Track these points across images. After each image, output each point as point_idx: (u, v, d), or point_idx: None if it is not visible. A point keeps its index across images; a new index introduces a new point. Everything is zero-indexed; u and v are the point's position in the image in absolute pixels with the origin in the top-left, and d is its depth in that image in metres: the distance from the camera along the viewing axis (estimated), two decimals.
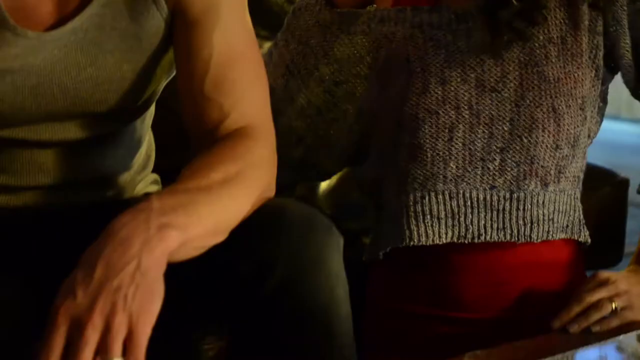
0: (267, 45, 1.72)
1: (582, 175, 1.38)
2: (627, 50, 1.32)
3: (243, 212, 1.02)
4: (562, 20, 1.31)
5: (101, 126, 1.19)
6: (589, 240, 1.38)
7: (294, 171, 1.46)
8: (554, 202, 1.34)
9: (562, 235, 1.35)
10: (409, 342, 1.36)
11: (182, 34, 1.12)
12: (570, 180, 1.35)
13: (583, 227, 1.38)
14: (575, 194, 1.37)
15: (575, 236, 1.36)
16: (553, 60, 1.30)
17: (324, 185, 1.72)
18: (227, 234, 1.00)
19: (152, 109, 1.28)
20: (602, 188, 1.74)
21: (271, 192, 1.10)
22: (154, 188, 1.35)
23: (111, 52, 1.11)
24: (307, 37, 1.40)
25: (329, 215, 1.20)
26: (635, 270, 1.33)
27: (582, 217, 1.38)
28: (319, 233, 1.02)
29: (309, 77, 1.41)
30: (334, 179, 1.66)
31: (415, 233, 1.32)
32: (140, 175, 1.31)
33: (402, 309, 1.37)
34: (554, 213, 1.34)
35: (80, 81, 1.11)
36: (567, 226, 1.36)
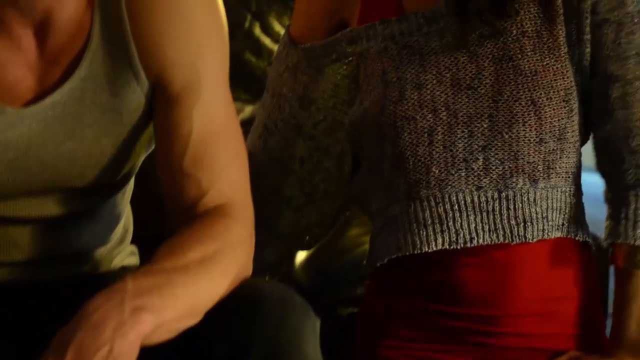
0: (249, 109, 1.73)
1: (577, 172, 1.35)
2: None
3: (219, 293, 1.02)
4: (536, 14, 1.28)
5: (80, 202, 1.18)
6: (589, 240, 1.36)
7: (281, 244, 1.45)
8: (547, 199, 1.31)
9: (559, 234, 1.32)
10: (405, 333, 1.34)
11: (162, 109, 1.12)
12: (562, 176, 1.31)
13: (581, 227, 1.35)
14: (570, 190, 1.33)
15: (572, 235, 1.33)
16: (529, 54, 1.28)
17: (300, 256, 1.72)
18: (202, 316, 0.99)
19: (132, 182, 1.28)
20: None
21: (248, 272, 1.09)
22: (131, 260, 1.33)
23: (90, 126, 1.11)
24: (279, 87, 1.41)
25: (306, 286, 1.20)
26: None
27: (581, 215, 1.36)
28: (296, 316, 1.01)
29: (287, 128, 1.41)
30: (311, 249, 1.66)
31: (405, 243, 1.30)
32: (118, 248, 1.30)
33: (399, 305, 1.36)
34: (547, 211, 1.31)
35: (59, 155, 1.11)
36: (563, 224, 1.32)
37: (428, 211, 1.29)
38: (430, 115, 1.29)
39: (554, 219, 1.32)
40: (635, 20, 1.28)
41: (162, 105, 1.12)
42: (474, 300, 1.30)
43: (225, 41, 1.17)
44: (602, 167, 1.35)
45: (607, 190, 1.35)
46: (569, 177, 1.33)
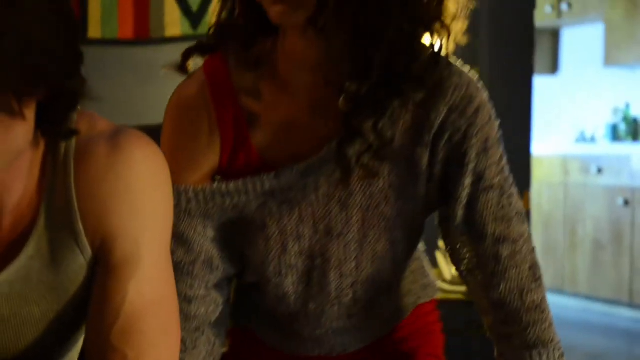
0: None
1: (419, 251, 1.49)
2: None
3: None
4: (405, 171, 1.32)
5: None
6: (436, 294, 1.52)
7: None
8: (401, 295, 1.46)
9: (413, 308, 1.48)
10: None
11: (99, 279, 1.12)
12: (411, 271, 1.46)
13: (428, 288, 1.50)
14: (416, 271, 1.48)
15: (422, 300, 1.49)
16: (392, 202, 1.33)
17: None
18: None
19: (80, 343, 1.25)
20: None
21: None
22: None
23: (37, 302, 1.11)
24: None
25: None
26: None
27: (428, 280, 1.51)
28: None
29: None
30: None
31: (282, 345, 1.46)
32: None
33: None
34: (403, 300, 1.46)
35: (3, 331, 1.11)
36: (416, 301, 1.48)
37: (307, 332, 1.42)
38: (308, 262, 1.36)
39: (408, 302, 1.48)
40: (510, 182, 1.34)
41: (100, 275, 1.11)
42: None
43: (170, 216, 1.17)
44: (497, 330, 1.35)
45: (501, 353, 1.35)
46: (416, 269, 1.48)
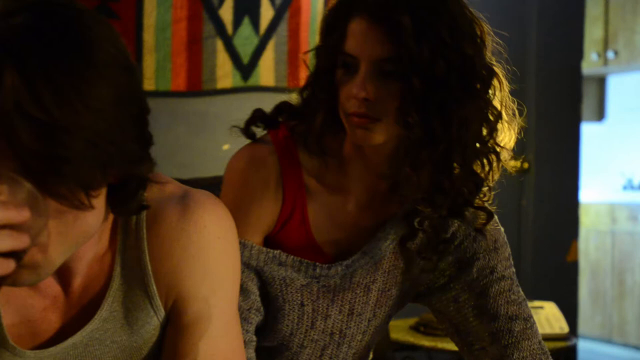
0: None
1: None
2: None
3: None
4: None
5: None
6: None
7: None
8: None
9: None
10: None
11: (171, 338, 1.14)
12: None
13: None
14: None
15: None
16: (399, 285, 1.50)
17: None
18: None
19: None
20: None
21: None
22: None
23: None
24: None
25: None
26: None
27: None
28: None
29: None
30: None
31: None
32: None
33: None
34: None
35: None
36: None
37: None
38: (328, 338, 1.50)
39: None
40: (514, 271, 1.51)
41: (172, 334, 1.14)
42: None
43: (238, 275, 1.21)
44: None
45: None
46: None
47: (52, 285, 1.10)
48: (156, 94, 2.82)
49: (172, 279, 1.13)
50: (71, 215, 0.96)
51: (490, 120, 1.36)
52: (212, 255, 1.15)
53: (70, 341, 1.10)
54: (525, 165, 3.57)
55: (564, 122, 3.69)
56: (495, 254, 1.47)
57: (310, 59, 1.44)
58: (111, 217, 1.11)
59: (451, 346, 2.43)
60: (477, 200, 1.42)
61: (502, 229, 1.50)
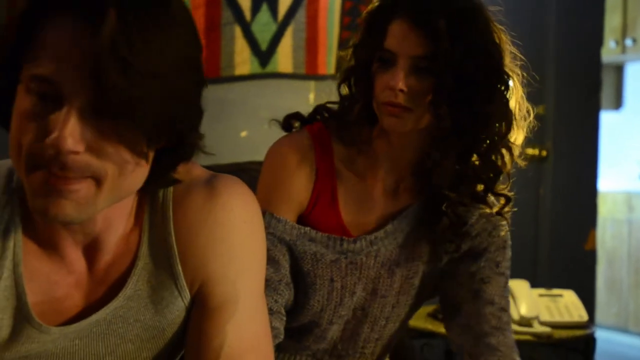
0: None
1: None
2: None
3: None
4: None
5: None
6: None
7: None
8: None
9: None
10: None
11: (197, 321, 1.14)
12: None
13: None
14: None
15: None
16: (420, 275, 1.61)
17: None
18: None
19: None
20: None
21: None
22: None
23: (132, 341, 1.13)
24: None
25: None
26: None
27: None
28: None
29: None
30: None
31: None
32: None
33: None
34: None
35: None
36: None
37: None
38: (351, 314, 1.62)
39: None
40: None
41: (198, 317, 1.14)
42: None
43: (264, 257, 1.20)
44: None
45: None
46: None
47: (78, 261, 1.10)
48: None
49: (199, 261, 1.13)
50: (130, 165, 0.98)
51: (508, 118, 1.51)
52: (238, 238, 1.15)
53: (94, 317, 1.10)
54: (544, 153, 3.54)
55: (583, 110, 3.66)
56: (503, 251, 1.62)
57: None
58: (138, 195, 1.11)
59: None
60: (496, 188, 1.56)
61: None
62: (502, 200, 1.58)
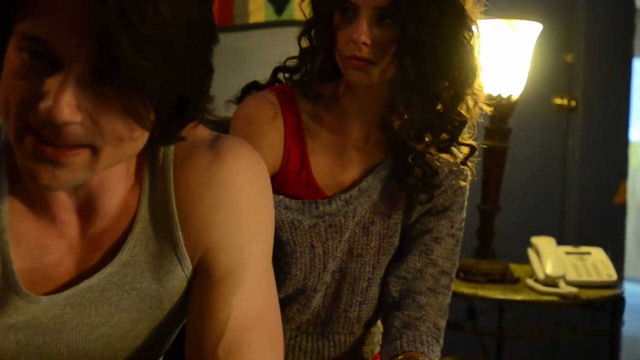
0: None
1: None
2: None
3: None
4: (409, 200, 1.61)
5: None
6: None
7: None
8: (378, 335, 1.71)
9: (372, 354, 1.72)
10: None
11: (201, 292, 1.06)
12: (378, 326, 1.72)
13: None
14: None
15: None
16: (398, 233, 1.60)
17: None
18: None
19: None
20: None
21: None
22: None
23: (127, 310, 1.06)
24: None
25: None
26: None
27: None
28: None
29: None
30: None
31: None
32: None
33: None
34: (376, 339, 1.72)
35: (91, 340, 1.06)
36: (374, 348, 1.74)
37: (310, 344, 1.63)
38: (329, 277, 1.58)
39: None
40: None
41: (202, 289, 1.06)
42: None
43: (272, 224, 1.13)
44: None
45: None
46: None
47: (71, 225, 1.03)
48: None
49: (202, 228, 1.06)
50: (131, 134, 0.92)
51: (473, 66, 1.48)
52: (245, 202, 1.07)
53: (86, 283, 1.03)
54: (573, 103, 3.41)
55: (615, 57, 3.51)
56: (460, 212, 1.62)
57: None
58: (138, 154, 1.03)
59: (493, 293, 2.33)
60: (460, 137, 1.54)
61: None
62: (467, 150, 1.56)
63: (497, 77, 2.39)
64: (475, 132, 1.57)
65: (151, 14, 0.85)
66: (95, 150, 0.91)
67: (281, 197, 1.52)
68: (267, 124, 1.52)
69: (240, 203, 1.07)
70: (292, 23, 2.79)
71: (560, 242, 2.61)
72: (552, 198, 3.47)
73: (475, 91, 1.52)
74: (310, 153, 1.54)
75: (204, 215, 1.05)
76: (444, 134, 1.52)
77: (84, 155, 0.90)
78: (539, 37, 2.43)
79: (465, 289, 2.37)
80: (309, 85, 1.54)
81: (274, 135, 1.52)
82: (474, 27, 1.48)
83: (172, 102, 0.92)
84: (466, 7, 1.46)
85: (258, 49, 2.82)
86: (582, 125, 3.45)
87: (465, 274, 2.45)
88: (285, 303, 1.58)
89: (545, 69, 2.99)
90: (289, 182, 1.54)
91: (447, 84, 1.47)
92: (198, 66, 0.93)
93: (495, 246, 2.52)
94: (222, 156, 1.06)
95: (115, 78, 0.86)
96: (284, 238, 1.53)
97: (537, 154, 3.32)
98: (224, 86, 2.85)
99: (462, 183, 1.60)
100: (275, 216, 1.40)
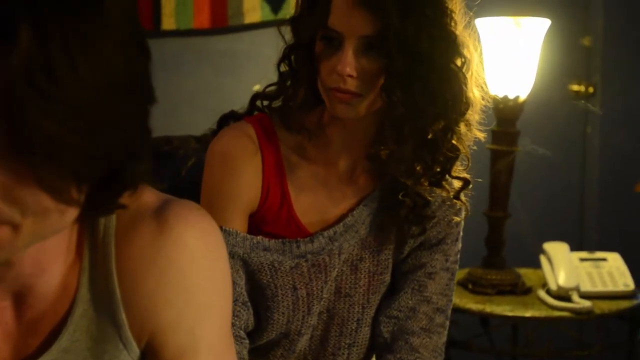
0: None
1: None
2: None
3: None
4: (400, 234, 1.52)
5: None
6: None
7: None
8: None
9: None
10: None
11: None
12: None
13: None
14: None
15: None
16: (390, 270, 1.52)
17: None
18: None
19: None
20: None
21: None
22: None
23: None
24: None
25: None
26: None
27: None
28: None
29: None
30: None
31: None
32: None
33: None
34: None
35: None
36: None
37: None
38: (315, 319, 1.49)
39: None
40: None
41: None
42: None
43: (230, 294, 1.04)
44: None
45: None
46: None
47: (4, 310, 0.94)
48: (177, 33, 2.64)
49: (147, 309, 0.96)
50: (53, 212, 0.81)
51: (466, 96, 1.39)
52: (195, 278, 0.97)
53: None
54: (590, 89, 3.26)
55: (634, 40, 3.35)
56: (455, 245, 1.53)
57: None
58: (77, 225, 0.94)
59: (502, 309, 2.20)
60: (453, 170, 1.46)
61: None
62: (460, 184, 1.48)
63: (503, 78, 2.27)
64: (470, 164, 1.49)
65: (65, 75, 0.74)
66: (14, 227, 0.80)
67: (259, 238, 1.44)
68: (244, 161, 1.43)
69: (189, 279, 0.97)
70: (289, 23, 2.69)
71: (577, 237, 2.48)
72: (572, 186, 3.34)
73: (469, 118, 1.43)
74: (291, 188, 1.45)
75: (149, 295, 0.96)
76: (436, 167, 1.43)
77: (1, 232, 0.80)
78: (552, 23, 2.31)
79: (473, 305, 2.25)
80: (291, 117, 1.44)
81: (252, 171, 1.44)
82: (465, 52, 1.40)
83: (97, 173, 0.81)
84: (458, 34, 1.37)
85: (254, 51, 2.74)
86: (601, 112, 3.31)
87: (474, 285, 2.34)
88: (268, 348, 1.51)
89: (561, 55, 2.86)
90: (268, 220, 1.45)
91: (439, 115, 1.37)
92: (128, 132, 0.82)
93: (508, 247, 2.40)
94: (168, 227, 0.96)
95: (28, 151, 0.75)
96: (264, 281, 1.44)
97: (553, 145, 3.19)
98: (221, 91, 2.76)
99: (456, 218, 1.52)
100: (254, 259, 1.40)
